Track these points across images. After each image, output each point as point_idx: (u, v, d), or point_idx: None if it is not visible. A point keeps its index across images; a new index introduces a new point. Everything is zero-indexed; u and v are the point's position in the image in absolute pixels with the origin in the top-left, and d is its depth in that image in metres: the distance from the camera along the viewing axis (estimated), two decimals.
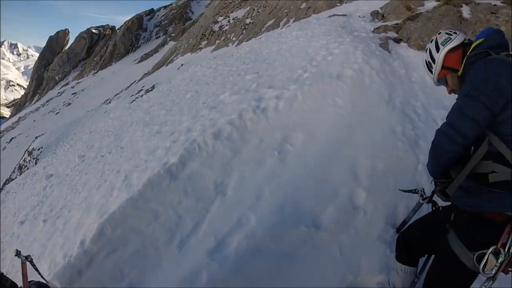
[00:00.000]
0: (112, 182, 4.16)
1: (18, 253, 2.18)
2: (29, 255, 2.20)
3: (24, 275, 2.10)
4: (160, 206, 2.68)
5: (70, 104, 36.71)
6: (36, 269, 2.25)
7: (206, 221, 2.49)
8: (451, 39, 1.94)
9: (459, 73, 1.87)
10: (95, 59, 59.99)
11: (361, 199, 2.89)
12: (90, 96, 34.35)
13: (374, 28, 7.84)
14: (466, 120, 1.58)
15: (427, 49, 2.08)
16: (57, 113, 35.10)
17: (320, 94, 4.12)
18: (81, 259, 2.62)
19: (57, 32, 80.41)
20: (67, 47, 74.87)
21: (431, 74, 2.06)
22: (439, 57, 1.95)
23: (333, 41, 6.32)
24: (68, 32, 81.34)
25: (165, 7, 70.75)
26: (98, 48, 65.79)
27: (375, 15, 9.51)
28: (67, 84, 57.52)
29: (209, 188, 2.73)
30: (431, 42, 2.05)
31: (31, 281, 2.18)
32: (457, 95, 1.81)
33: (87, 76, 55.23)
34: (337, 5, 17.91)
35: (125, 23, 66.08)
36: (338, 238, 2.52)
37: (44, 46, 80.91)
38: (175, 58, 29.26)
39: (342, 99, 4.07)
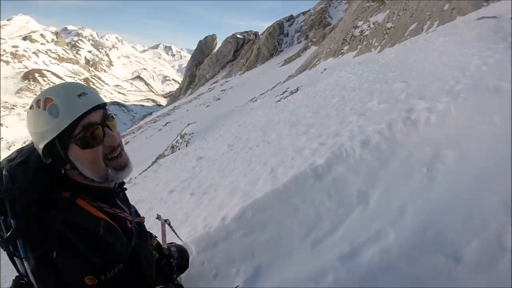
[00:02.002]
0: (258, 173, 4.43)
1: (158, 217, 2.47)
2: (168, 219, 2.49)
3: (164, 234, 2.40)
4: (301, 203, 2.69)
5: (219, 99, 40.47)
6: (174, 230, 2.56)
7: (344, 226, 2.40)
8: None
9: None
10: (241, 61, 65.09)
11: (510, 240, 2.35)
12: (237, 94, 36.76)
13: None
14: None
15: None
16: (208, 106, 39.15)
17: (474, 109, 3.62)
18: (219, 233, 2.82)
19: (206, 37, 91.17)
20: (215, 50, 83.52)
21: None
22: None
23: (485, 49, 5.62)
24: (215, 37, 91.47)
25: (303, 13, 71.95)
26: (243, 51, 71.33)
27: None
28: (216, 82, 64.01)
29: (352, 195, 2.62)
30: None
31: (171, 243, 2.50)
32: None
33: (234, 75, 60.24)
34: (483, 5, 15.68)
35: (266, 29, 69.82)
36: (476, 278, 2.12)
37: (195, 49, 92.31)
38: (318, 62, 29.45)
39: (500, 117, 3.49)
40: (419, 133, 3.34)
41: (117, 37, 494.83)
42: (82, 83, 1.46)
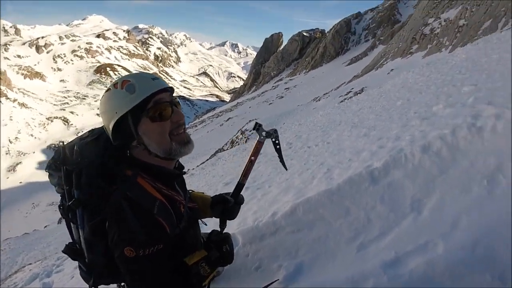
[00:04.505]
0: (314, 172, 4.48)
1: (257, 127, 2.03)
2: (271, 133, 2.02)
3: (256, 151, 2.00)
4: (353, 206, 2.65)
5: (282, 97, 40.62)
6: (279, 152, 2.12)
7: (392, 233, 2.31)
8: None
9: None
10: (306, 59, 64.50)
11: None
12: (301, 93, 36.57)
13: None
14: None
15: None
16: (270, 103, 39.46)
17: None
18: (268, 227, 2.84)
19: (272, 35, 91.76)
20: (281, 48, 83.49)
21: None
22: None
23: None
24: (282, 35, 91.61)
25: (372, 9, 69.26)
26: (309, 50, 70.50)
27: None
28: (280, 80, 64.15)
29: (405, 202, 2.50)
30: None
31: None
32: None
33: (299, 74, 60.02)
34: None
35: (333, 27, 68.35)
36: None
37: (261, 46, 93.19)
38: (385, 62, 28.46)
39: None
40: (484, 142, 3.07)
41: (185, 35, 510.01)
42: None
